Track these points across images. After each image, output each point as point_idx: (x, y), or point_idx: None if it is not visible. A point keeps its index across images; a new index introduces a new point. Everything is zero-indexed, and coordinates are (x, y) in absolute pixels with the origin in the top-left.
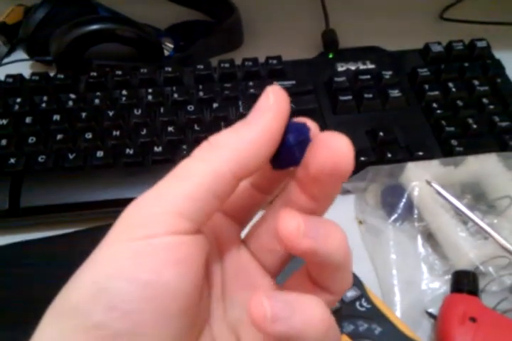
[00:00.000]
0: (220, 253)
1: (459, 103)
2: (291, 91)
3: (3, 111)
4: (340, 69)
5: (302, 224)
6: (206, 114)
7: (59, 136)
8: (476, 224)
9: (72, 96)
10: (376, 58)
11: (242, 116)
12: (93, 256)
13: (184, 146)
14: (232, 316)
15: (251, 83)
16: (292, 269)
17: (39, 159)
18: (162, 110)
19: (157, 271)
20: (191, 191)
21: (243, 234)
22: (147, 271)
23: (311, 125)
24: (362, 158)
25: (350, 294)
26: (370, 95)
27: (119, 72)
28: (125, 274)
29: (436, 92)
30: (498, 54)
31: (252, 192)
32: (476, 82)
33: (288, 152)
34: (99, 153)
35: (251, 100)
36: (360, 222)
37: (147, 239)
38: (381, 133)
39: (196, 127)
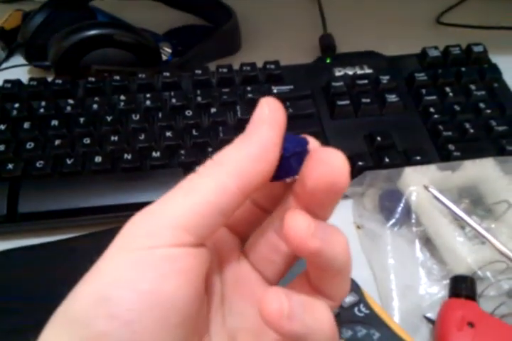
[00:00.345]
0: (220, 263)
1: (456, 107)
2: (288, 96)
3: (1, 116)
4: (337, 74)
5: (312, 224)
6: (204, 119)
7: (57, 142)
8: (473, 228)
9: (71, 101)
10: (373, 63)
11: (240, 120)
12: (96, 265)
13: (182, 151)
14: (232, 325)
15: (249, 88)
16: (290, 278)
17: (37, 164)
18: (160, 115)
19: (158, 281)
20: (199, 207)
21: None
22: (148, 281)
23: (310, 139)
24: (359, 163)
25: (349, 299)
26: (368, 100)
27: (117, 77)
28: (126, 284)
29: (434, 97)
30: (494, 58)
31: (252, 208)
32: (473, 87)
33: (285, 163)
34: (98, 159)
35: (249, 105)
36: (358, 227)
37: (150, 250)
38: (379, 138)
39: (194, 132)
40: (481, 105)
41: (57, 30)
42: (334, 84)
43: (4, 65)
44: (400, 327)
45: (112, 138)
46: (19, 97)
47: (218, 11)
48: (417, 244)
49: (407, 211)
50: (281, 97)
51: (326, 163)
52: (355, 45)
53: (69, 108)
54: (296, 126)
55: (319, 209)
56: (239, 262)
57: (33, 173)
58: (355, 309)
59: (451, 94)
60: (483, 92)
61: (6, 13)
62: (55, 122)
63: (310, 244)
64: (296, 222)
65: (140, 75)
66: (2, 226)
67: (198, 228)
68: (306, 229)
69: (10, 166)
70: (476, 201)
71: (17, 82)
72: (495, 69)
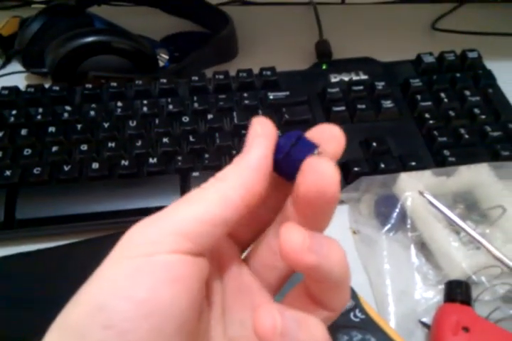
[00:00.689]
0: (220, 272)
1: (451, 113)
2: (284, 102)
3: None
4: (333, 80)
5: (307, 238)
6: (201, 125)
7: (54, 148)
8: (468, 234)
9: (68, 108)
10: (369, 69)
11: (236, 126)
12: (95, 273)
13: (179, 157)
14: (233, 334)
15: (245, 94)
16: (290, 287)
17: (34, 171)
18: (157, 121)
19: (153, 289)
20: (201, 214)
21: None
22: (143, 289)
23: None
24: (355, 169)
25: None
26: (363, 106)
27: (114, 84)
28: (122, 292)
29: (429, 103)
30: (489, 64)
31: (253, 217)
32: (468, 93)
33: (292, 164)
34: (95, 165)
35: (245, 111)
36: (354, 232)
37: (147, 257)
38: (374, 144)
39: (191, 138)
40: (476, 111)
41: (55, 36)
42: (330, 90)
43: (1, 72)
44: (396, 332)
45: (109, 144)
46: (16, 104)
47: (215, 18)
48: (413, 249)
49: (403, 216)
50: (278, 103)
51: (316, 171)
52: (350, 51)
53: (66, 114)
54: None
55: (315, 218)
56: (240, 270)
57: (30, 180)
58: (351, 314)
59: (446, 99)
60: (477, 98)
61: (3, 20)
62: (52, 129)
63: (305, 258)
64: (291, 236)
65: (137, 82)
66: (0, 232)
67: (198, 236)
68: (301, 243)
69: (7, 173)
70: (470, 206)
71: (14, 89)
72: (489, 75)
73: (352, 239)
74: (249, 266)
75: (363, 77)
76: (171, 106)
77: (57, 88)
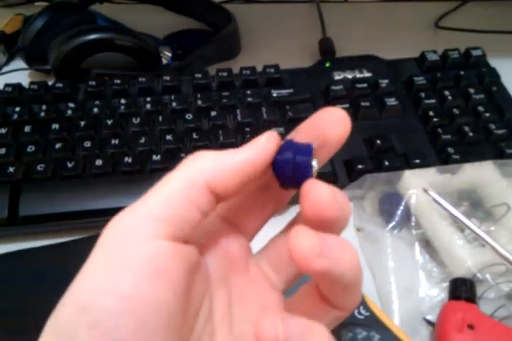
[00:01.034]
0: (228, 269)
1: (455, 111)
2: (288, 100)
3: (2, 120)
4: (337, 77)
5: (317, 244)
6: (204, 123)
7: (58, 145)
8: (473, 231)
9: (71, 105)
10: (373, 67)
11: (239, 124)
12: (80, 271)
13: (182, 155)
14: (239, 332)
15: (249, 92)
16: (300, 283)
17: (38, 168)
18: (160, 119)
19: (135, 284)
20: (166, 195)
21: (255, 248)
22: (126, 285)
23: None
24: (359, 166)
25: None
26: (367, 103)
27: (117, 81)
28: (105, 290)
29: (433, 100)
30: (493, 62)
31: (260, 197)
32: (472, 90)
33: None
34: (98, 162)
35: (249, 108)
36: (358, 230)
37: (124, 250)
38: (378, 141)
39: (194, 135)
40: (480, 108)
41: (58, 34)
42: (333, 87)
43: (5, 69)
44: (400, 329)
45: (113, 141)
46: (20, 101)
47: (218, 15)
48: (417, 247)
49: (407, 214)
50: (281, 101)
51: (312, 197)
52: (354, 48)
53: (69, 111)
54: None
55: (325, 227)
56: (248, 267)
57: (33, 176)
58: (355, 311)
59: (450, 97)
60: (481, 96)
61: (6, 18)
62: (55, 126)
63: (316, 264)
64: (301, 241)
65: (140, 79)
66: (3, 229)
67: (170, 217)
68: (311, 248)
69: (11, 169)
70: (475, 204)
71: (18, 86)
72: (493, 73)
73: (356, 237)
74: (259, 262)
75: (367, 74)
76: (174, 104)
77: (60, 85)
